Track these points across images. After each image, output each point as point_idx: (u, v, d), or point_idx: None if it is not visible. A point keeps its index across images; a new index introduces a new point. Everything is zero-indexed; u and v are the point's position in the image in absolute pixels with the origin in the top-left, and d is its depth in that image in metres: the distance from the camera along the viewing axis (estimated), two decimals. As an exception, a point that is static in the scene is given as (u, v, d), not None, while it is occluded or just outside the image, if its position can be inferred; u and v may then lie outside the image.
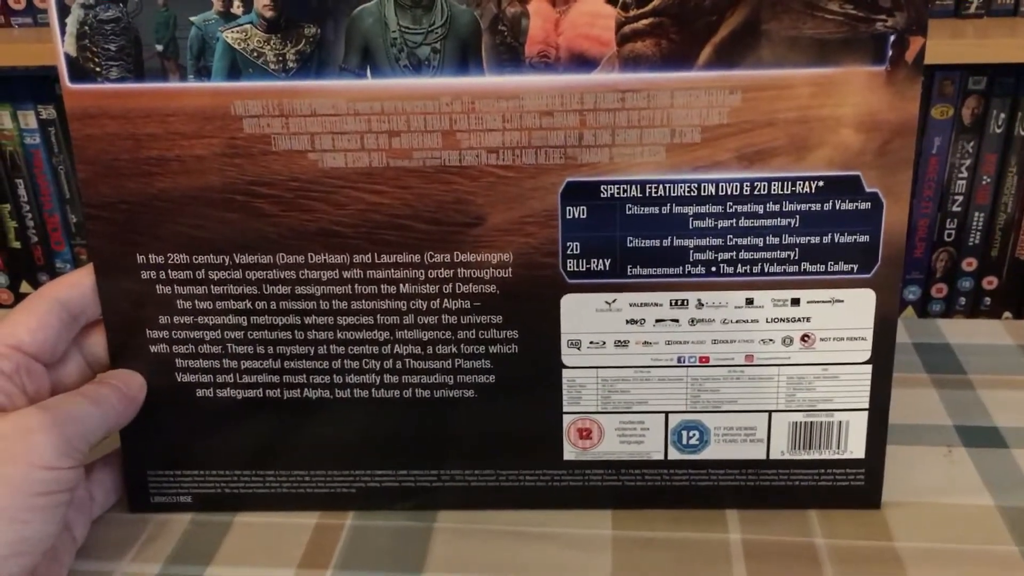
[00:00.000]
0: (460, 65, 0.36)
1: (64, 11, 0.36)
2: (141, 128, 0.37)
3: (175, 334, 0.40)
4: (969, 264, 0.68)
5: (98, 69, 0.36)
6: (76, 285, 0.39)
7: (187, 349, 0.40)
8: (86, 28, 0.36)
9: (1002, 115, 0.65)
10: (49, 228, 0.77)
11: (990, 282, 0.69)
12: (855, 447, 0.41)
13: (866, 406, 0.40)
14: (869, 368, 0.39)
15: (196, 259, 0.39)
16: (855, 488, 0.41)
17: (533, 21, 0.35)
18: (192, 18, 0.36)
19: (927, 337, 0.53)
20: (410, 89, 0.36)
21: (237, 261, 0.39)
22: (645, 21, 0.35)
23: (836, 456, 0.41)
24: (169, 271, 0.39)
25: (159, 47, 0.36)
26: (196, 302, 0.39)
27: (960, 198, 0.66)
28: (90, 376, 0.40)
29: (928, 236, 0.68)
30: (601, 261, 0.38)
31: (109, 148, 0.37)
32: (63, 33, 0.36)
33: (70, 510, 0.38)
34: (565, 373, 0.40)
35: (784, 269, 0.38)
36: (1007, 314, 0.70)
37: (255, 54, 0.36)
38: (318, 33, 0.36)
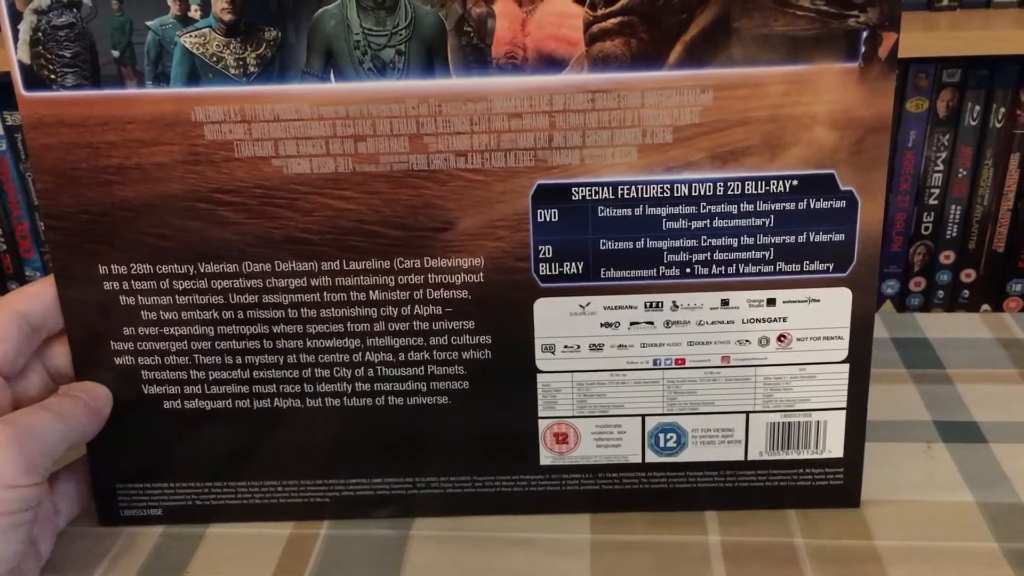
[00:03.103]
0: (426, 67, 0.35)
1: (16, 17, 0.35)
2: (99, 136, 0.36)
3: (140, 345, 0.39)
4: (947, 257, 0.68)
5: (53, 76, 0.35)
6: (37, 296, 0.38)
7: (153, 360, 0.39)
8: (39, 34, 0.35)
9: (977, 107, 0.65)
10: (18, 236, 0.75)
11: (968, 275, 0.69)
12: (834, 446, 0.40)
13: (844, 405, 0.40)
14: (846, 367, 0.39)
15: (160, 269, 0.38)
16: (834, 487, 0.41)
17: (500, 22, 0.34)
18: (148, 23, 0.35)
19: (905, 332, 0.53)
20: (375, 92, 0.35)
21: (202, 270, 0.38)
22: (614, 20, 0.34)
23: (815, 456, 0.40)
24: (132, 281, 0.38)
25: (115, 53, 0.35)
26: (161, 312, 0.38)
27: (936, 191, 0.66)
28: (52, 389, 0.39)
29: (905, 230, 0.68)
30: (574, 264, 0.38)
31: (67, 157, 0.36)
32: (16, 40, 0.35)
33: (34, 525, 0.37)
34: (539, 378, 0.39)
35: (759, 269, 0.38)
36: (985, 307, 0.70)
37: (215, 59, 0.35)
38: (279, 36, 0.35)
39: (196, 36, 0.35)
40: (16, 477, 0.34)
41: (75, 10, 0.35)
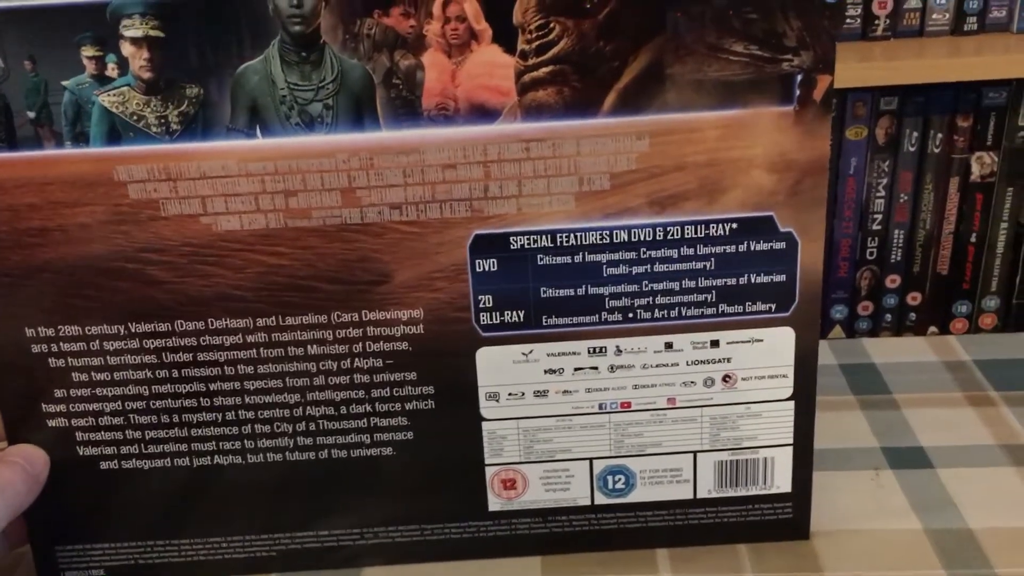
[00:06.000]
0: (355, 121, 0.34)
1: (-76, 79, 0.33)
2: (18, 199, 0.35)
3: (73, 407, 0.38)
4: (892, 281, 0.69)
5: (-34, 139, 0.34)
6: None
7: (87, 422, 0.38)
8: (-51, 97, 0.33)
9: (915, 133, 0.65)
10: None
11: (914, 298, 0.69)
12: (781, 482, 0.40)
13: (790, 441, 0.40)
14: (792, 404, 0.39)
15: (89, 330, 0.37)
16: (783, 521, 0.41)
17: (429, 73, 0.34)
18: (64, 83, 0.33)
19: (852, 358, 0.53)
20: (304, 147, 0.34)
21: (133, 330, 0.37)
22: (545, 69, 0.34)
23: (763, 492, 0.40)
24: (61, 344, 0.37)
25: (31, 114, 0.34)
26: (92, 374, 0.37)
27: (879, 216, 0.66)
28: None
29: (851, 255, 0.68)
30: (515, 313, 0.37)
31: None
32: (-76, 103, 0.33)
33: None
34: (485, 426, 0.39)
35: (702, 312, 0.37)
36: (933, 328, 0.71)
37: (135, 117, 0.34)
38: (201, 93, 0.34)
39: (114, 95, 0.33)
40: None
41: (-14, 71, 0.33)
